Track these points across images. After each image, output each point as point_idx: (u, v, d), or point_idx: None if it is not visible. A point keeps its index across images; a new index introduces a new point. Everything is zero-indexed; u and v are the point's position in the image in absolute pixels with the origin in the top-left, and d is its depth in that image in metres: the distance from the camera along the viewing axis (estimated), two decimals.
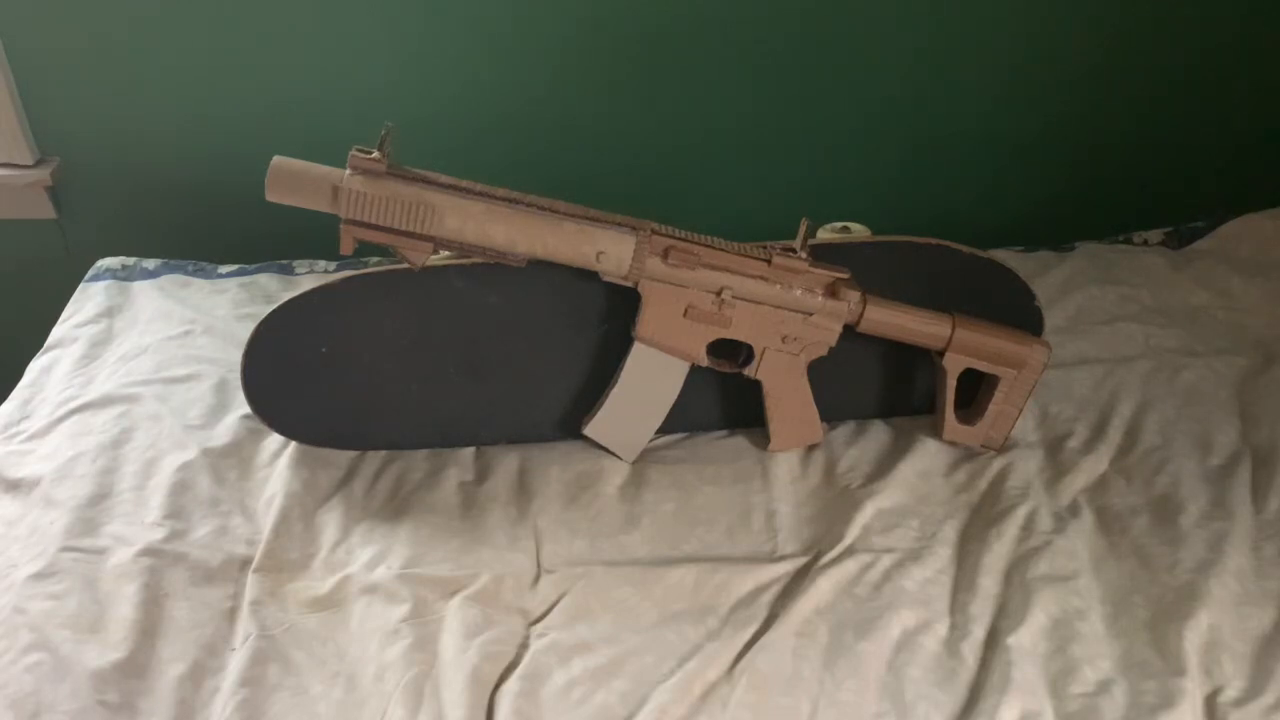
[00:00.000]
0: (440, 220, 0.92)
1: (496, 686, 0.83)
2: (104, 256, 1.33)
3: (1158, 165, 1.52)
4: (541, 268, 0.98)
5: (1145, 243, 1.40)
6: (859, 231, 1.21)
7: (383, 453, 1.05)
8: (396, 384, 1.03)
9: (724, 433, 1.10)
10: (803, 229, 1.00)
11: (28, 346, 1.19)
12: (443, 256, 0.99)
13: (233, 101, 1.37)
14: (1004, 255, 1.27)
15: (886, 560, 0.94)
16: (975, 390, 1.07)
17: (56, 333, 1.21)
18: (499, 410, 1.06)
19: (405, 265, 0.95)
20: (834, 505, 1.01)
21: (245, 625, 0.88)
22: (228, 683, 0.83)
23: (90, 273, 1.30)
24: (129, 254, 1.33)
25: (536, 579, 0.93)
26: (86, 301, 1.25)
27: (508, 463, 1.05)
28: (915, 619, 0.89)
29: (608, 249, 0.95)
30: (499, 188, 0.94)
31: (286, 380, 1.01)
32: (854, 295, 1.01)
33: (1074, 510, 1.00)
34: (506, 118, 1.40)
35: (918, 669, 0.85)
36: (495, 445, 1.07)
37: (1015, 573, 0.93)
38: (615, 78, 1.38)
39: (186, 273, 1.31)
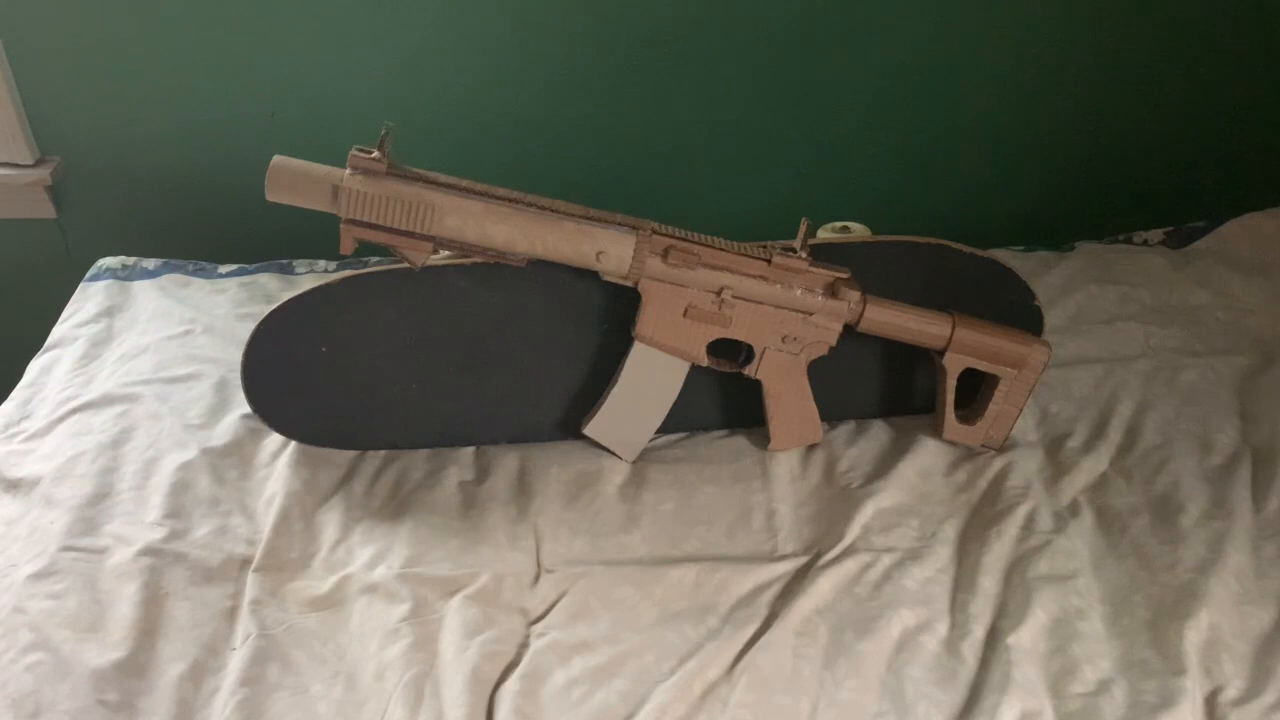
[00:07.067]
0: (440, 220, 0.92)
1: (496, 686, 0.83)
2: (104, 256, 1.33)
3: (1158, 165, 1.52)
4: (541, 268, 0.98)
5: (1145, 243, 1.40)
6: (859, 231, 1.22)
7: (383, 452, 1.05)
8: (396, 384, 1.03)
9: (724, 432, 1.10)
10: (803, 229, 1.00)
11: (28, 346, 1.19)
12: (443, 256, 0.99)
13: (233, 101, 1.37)
14: (1004, 255, 1.27)
15: (886, 560, 0.94)
16: (975, 390, 1.07)
17: (56, 332, 1.21)
18: (499, 410, 1.06)
19: (405, 265, 0.95)
20: (834, 505, 1.01)
21: (245, 625, 0.88)
22: (228, 682, 0.83)
23: (90, 272, 1.30)
24: (129, 254, 1.33)
25: (536, 578, 0.93)
26: (86, 301, 1.25)
27: (508, 462, 1.05)
28: (915, 618, 0.89)
29: (608, 248, 0.95)
30: (499, 188, 0.94)
31: (286, 380, 1.01)
32: (854, 295, 1.01)
33: (1074, 510, 1.00)
34: (506, 118, 1.40)
35: (918, 668, 0.85)
36: (495, 445, 1.07)
37: (1015, 572, 0.93)
38: (615, 78, 1.38)
39: (186, 272, 1.31)
